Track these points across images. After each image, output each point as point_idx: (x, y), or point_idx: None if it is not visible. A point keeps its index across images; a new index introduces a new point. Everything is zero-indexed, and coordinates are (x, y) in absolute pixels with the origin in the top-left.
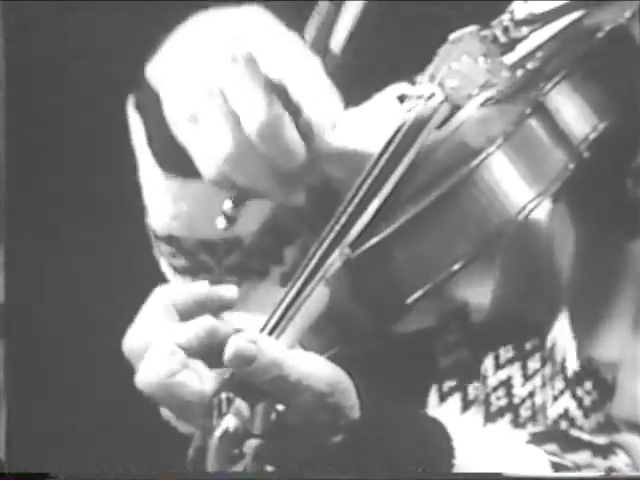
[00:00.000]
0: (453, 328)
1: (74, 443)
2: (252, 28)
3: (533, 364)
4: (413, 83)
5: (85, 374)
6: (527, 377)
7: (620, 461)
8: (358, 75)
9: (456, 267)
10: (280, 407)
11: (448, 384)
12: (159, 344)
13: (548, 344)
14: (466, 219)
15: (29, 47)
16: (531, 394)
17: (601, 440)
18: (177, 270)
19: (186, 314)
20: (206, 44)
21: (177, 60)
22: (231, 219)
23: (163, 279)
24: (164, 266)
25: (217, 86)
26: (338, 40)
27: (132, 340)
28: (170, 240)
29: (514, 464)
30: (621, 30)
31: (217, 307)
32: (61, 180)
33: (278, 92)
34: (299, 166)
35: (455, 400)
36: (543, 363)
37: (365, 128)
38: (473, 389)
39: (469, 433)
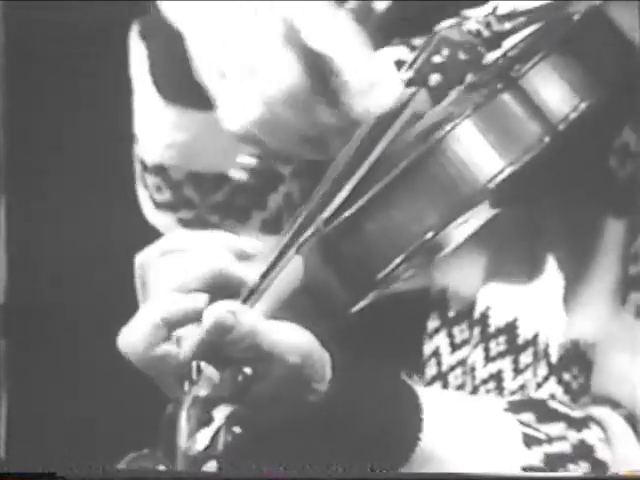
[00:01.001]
0: (434, 314)
1: (75, 442)
2: None
3: (525, 358)
4: (411, 48)
5: (86, 374)
6: (518, 371)
7: (593, 435)
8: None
9: (427, 237)
10: (247, 370)
11: (430, 372)
12: (146, 313)
13: (532, 332)
14: (435, 189)
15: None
16: (521, 387)
17: (577, 414)
18: (158, 205)
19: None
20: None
21: (208, 4)
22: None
23: None
24: (144, 200)
25: (251, 46)
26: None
27: (144, 261)
28: (159, 170)
29: (484, 435)
30: (597, 12)
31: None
32: (62, 180)
33: (313, 57)
34: (330, 130)
35: (436, 389)
36: (535, 358)
37: None
38: (454, 378)
39: (443, 401)
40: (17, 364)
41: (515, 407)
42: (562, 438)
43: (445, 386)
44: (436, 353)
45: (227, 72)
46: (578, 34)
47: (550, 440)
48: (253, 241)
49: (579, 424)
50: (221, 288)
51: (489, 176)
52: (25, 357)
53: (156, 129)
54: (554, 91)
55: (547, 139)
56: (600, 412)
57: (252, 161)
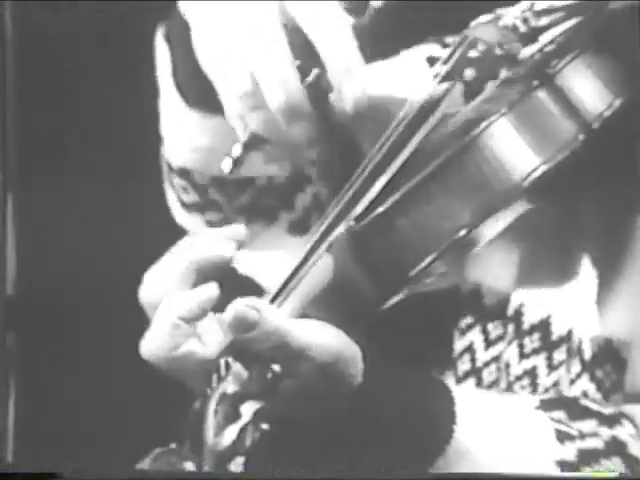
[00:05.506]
0: (467, 310)
1: (83, 442)
2: None
3: (559, 355)
4: (444, 45)
5: (95, 371)
6: (552, 367)
7: (625, 431)
8: (389, 30)
9: (460, 234)
10: (276, 367)
11: (462, 368)
12: (163, 316)
13: (566, 328)
14: (469, 186)
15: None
16: (555, 384)
17: (609, 410)
18: (185, 206)
19: (203, 276)
20: None
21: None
22: (237, 163)
23: None
24: (172, 200)
25: (245, 28)
26: None
27: (149, 291)
28: (183, 173)
29: (517, 430)
30: (632, 9)
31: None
32: (68, 175)
33: (299, 40)
34: (310, 121)
35: (470, 384)
36: (569, 354)
37: (389, 83)
38: (488, 374)
39: (474, 398)
40: (26, 358)
41: (547, 405)
42: (594, 435)
43: (479, 382)
44: (470, 349)
45: (224, 53)
46: (613, 31)
47: (583, 436)
48: (237, 227)
49: (611, 421)
50: (222, 276)
51: (523, 174)
52: (34, 351)
53: (180, 132)
54: (588, 88)
55: (582, 137)
56: (632, 409)
57: (239, 150)
